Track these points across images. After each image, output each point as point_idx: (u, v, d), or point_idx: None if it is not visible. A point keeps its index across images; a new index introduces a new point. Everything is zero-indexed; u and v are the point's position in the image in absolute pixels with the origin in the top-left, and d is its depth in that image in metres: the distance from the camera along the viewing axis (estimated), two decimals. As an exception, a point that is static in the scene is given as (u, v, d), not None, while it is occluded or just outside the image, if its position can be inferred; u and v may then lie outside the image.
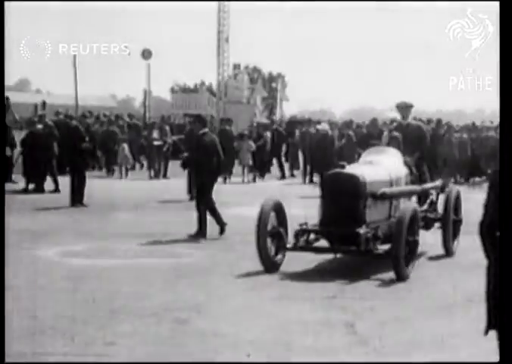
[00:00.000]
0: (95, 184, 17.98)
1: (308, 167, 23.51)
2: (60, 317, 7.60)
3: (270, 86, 49.92)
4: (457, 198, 11.39)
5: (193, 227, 12.48)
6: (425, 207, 11.36)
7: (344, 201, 9.71)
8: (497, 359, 5.61)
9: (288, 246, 9.90)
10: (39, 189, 18.74)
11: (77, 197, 16.20)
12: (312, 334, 7.12)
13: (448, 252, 11.05)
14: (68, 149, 17.06)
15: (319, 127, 24.95)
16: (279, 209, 10.00)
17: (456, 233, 11.28)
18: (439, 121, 24.69)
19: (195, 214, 12.59)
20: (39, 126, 19.47)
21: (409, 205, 10.13)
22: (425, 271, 10.06)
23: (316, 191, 19.60)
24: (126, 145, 23.72)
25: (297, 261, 10.11)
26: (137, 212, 15.62)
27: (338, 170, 10.23)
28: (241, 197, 18.13)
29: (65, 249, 11.35)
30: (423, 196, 11.42)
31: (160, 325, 7.40)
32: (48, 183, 18.90)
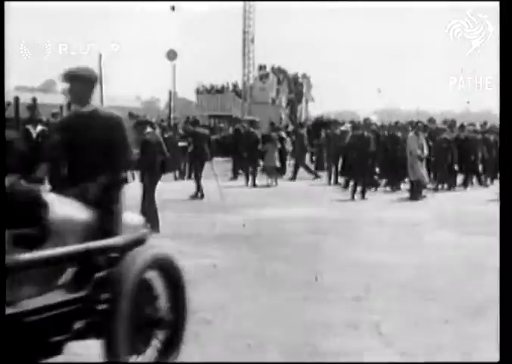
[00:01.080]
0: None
1: (333, 169, 23.38)
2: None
3: (296, 86, 49.82)
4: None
5: (214, 227, 12.53)
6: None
7: None
8: (497, 359, 5.54)
9: None
10: None
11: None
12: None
13: None
14: None
15: (343, 128, 24.92)
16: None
17: None
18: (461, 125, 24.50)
19: (216, 215, 12.61)
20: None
21: None
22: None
23: (344, 194, 19.61)
24: None
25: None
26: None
27: None
28: (267, 199, 18.12)
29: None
30: None
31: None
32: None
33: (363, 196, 18.77)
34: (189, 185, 20.42)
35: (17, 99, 21.02)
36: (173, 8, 41.19)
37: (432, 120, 24.86)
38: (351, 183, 19.42)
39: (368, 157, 19.02)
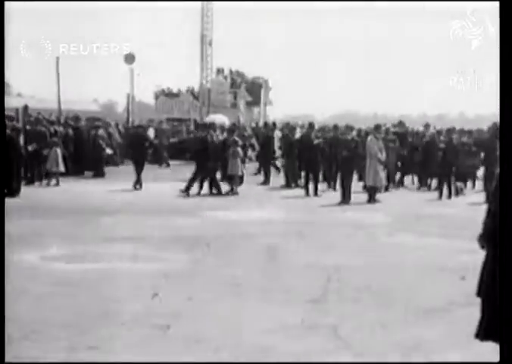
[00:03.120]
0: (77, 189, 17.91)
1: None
2: (42, 321, 7.55)
3: (254, 90, 49.89)
4: None
5: (178, 231, 12.44)
6: None
7: None
8: (497, 359, 5.62)
9: None
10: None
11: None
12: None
13: None
14: None
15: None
16: None
17: None
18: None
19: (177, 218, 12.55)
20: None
21: None
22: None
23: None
24: (58, 150, 22.72)
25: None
26: (119, 217, 15.58)
27: None
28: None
29: (47, 254, 11.28)
30: None
31: (142, 330, 7.36)
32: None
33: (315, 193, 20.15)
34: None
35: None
36: None
37: (401, 124, 25.17)
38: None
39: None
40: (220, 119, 35.45)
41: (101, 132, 26.39)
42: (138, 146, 22.32)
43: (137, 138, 22.93)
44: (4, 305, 5.11)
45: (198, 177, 20.43)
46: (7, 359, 6.27)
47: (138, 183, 21.46)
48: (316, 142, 21.03)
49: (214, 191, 20.41)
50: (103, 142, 26.23)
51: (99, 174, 25.16)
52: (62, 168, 22.30)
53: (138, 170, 21.55)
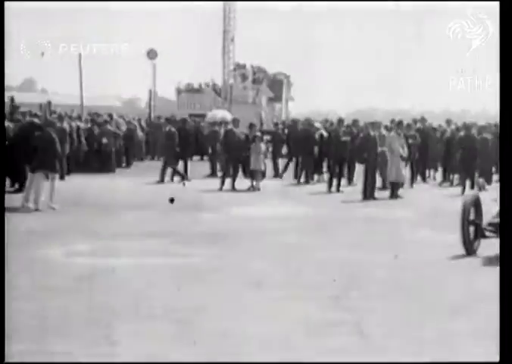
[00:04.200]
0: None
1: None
2: (65, 316, 7.58)
3: (275, 86, 49.80)
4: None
5: (198, 226, 12.48)
6: None
7: None
8: (497, 359, 5.59)
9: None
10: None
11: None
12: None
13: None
14: None
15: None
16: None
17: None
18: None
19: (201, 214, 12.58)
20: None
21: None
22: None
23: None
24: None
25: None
26: (143, 212, 15.62)
27: None
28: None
29: (71, 249, 11.33)
30: None
31: (163, 325, 7.37)
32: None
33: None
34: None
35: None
36: None
37: (423, 119, 25.06)
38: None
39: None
40: (222, 114, 35.74)
41: (108, 127, 26.00)
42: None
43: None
44: (4, 305, 5.12)
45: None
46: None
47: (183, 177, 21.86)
48: (343, 139, 20.76)
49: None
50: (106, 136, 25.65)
51: (108, 169, 24.72)
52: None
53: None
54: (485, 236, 11.58)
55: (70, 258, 10.74)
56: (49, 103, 28.30)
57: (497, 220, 11.26)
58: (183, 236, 12.59)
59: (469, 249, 11.36)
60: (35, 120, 18.36)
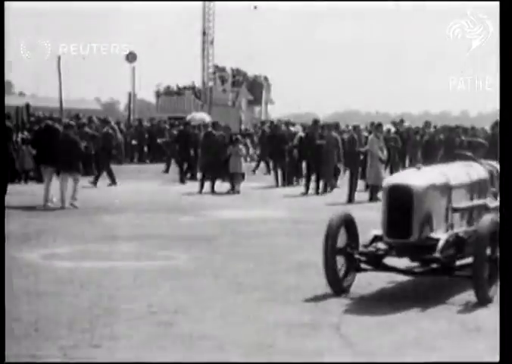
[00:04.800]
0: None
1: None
2: (44, 320, 7.57)
3: (255, 89, 49.90)
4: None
5: (178, 229, 12.46)
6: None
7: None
8: (497, 359, 5.63)
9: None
10: None
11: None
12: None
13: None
14: None
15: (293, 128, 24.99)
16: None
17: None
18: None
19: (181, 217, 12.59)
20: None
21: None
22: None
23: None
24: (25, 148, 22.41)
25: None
26: (122, 215, 15.62)
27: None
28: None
29: (49, 252, 11.32)
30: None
31: (145, 328, 7.37)
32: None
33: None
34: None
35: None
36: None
37: (402, 122, 25.23)
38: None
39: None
40: (201, 116, 35.90)
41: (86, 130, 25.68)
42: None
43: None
44: (5, 305, 5.10)
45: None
46: (7, 359, 6.29)
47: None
48: (318, 142, 20.71)
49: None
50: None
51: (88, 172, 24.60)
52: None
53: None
54: (360, 270, 8.94)
55: (48, 260, 10.74)
56: (28, 106, 28.16)
57: (370, 249, 8.86)
58: (163, 239, 12.59)
59: (337, 287, 8.75)
60: (51, 123, 18.68)
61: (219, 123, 23.61)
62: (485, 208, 9.26)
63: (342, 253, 8.83)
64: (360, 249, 8.87)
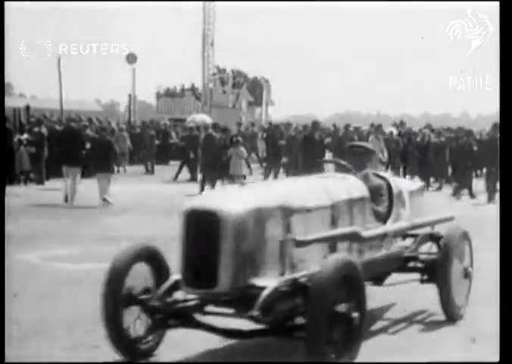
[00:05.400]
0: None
1: None
2: (44, 321, 7.55)
3: (255, 90, 49.89)
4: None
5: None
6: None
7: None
8: (497, 359, 5.61)
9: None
10: None
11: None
12: None
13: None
14: None
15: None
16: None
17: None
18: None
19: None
20: None
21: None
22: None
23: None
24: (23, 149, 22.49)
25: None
26: (122, 216, 15.61)
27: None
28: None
29: (49, 253, 11.30)
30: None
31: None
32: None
33: None
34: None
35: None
36: None
37: (402, 124, 25.22)
38: None
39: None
40: (201, 118, 35.88)
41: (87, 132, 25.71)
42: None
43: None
44: (5, 305, 5.08)
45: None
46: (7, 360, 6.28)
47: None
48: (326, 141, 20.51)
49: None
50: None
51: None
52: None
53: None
54: (167, 326, 6.55)
55: (48, 261, 10.73)
56: (27, 108, 28.12)
57: (168, 300, 6.31)
58: (163, 240, 12.56)
59: (126, 351, 6.43)
60: (74, 125, 19.30)
61: (218, 124, 23.60)
62: (354, 239, 6.95)
63: (133, 302, 6.46)
64: (154, 300, 6.35)
